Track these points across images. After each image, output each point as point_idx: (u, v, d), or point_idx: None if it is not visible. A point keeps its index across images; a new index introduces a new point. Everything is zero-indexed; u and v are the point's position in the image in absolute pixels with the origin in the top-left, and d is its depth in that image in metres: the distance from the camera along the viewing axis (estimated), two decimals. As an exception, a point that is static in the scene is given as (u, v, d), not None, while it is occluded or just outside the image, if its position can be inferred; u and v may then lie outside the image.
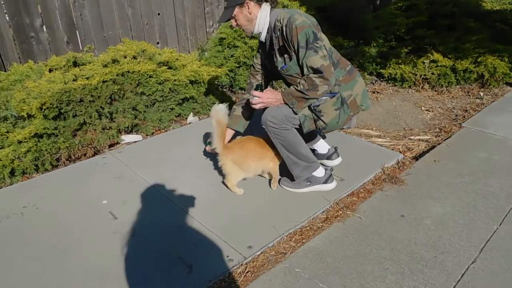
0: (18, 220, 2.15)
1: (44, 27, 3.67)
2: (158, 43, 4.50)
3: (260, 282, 1.73)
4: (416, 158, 2.78)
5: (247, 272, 1.80)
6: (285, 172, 2.37)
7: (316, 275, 1.77)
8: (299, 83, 2.04)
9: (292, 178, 2.37)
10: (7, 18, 3.43)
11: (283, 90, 2.16)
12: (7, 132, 2.66)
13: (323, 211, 2.21)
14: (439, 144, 2.91)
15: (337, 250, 1.92)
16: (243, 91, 4.06)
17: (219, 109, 2.11)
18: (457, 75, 3.90)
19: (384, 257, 1.87)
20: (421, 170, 2.58)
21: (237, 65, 4.01)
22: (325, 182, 2.34)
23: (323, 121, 2.18)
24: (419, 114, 3.51)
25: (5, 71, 3.30)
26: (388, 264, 1.83)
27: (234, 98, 3.91)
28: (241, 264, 1.83)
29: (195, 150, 2.85)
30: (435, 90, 3.90)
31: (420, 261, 1.84)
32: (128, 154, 2.84)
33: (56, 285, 1.71)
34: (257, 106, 2.15)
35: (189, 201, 2.26)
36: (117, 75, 2.90)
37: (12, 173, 2.59)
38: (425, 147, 2.93)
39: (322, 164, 2.48)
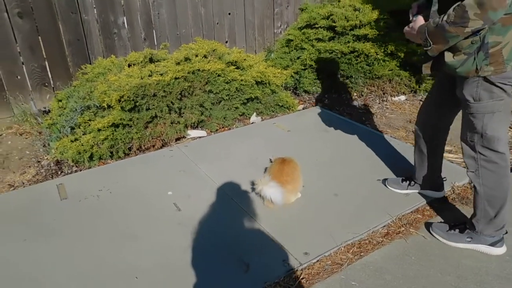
0: (95, 202, 2.35)
1: (125, 24, 3.95)
2: (226, 42, 4.63)
3: (314, 291, 1.72)
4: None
5: (302, 279, 1.80)
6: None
7: (374, 292, 1.72)
8: (448, 13, 1.52)
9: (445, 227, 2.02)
10: (96, 15, 3.75)
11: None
12: (90, 120, 2.91)
13: (384, 226, 2.12)
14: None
15: (397, 268, 1.84)
16: (307, 94, 4.05)
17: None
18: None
19: (449, 283, 1.76)
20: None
21: (303, 68, 4.00)
22: (492, 244, 1.91)
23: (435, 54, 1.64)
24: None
25: (91, 63, 3.61)
26: (453, 290, 1.72)
27: (297, 101, 3.90)
28: (297, 270, 1.83)
29: (257, 150, 2.90)
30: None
31: (490, 293, 1.70)
32: (193, 148, 2.96)
33: (121, 269, 1.85)
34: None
35: (250, 201, 2.31)
36: (188, 72, 3.03)
37: (91, 157, 2.83)
38: (504, 167, 2.68)
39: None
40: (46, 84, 3.65)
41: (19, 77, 3.48)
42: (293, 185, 2.22)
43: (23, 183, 2.64)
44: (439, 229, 2.03)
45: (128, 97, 2.81)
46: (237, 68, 3.38)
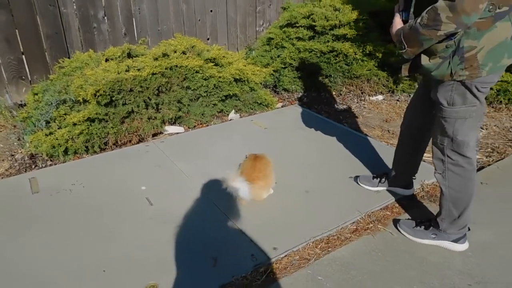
0: (67, 196, 2.33)
1: (105, 18, 3.91)
2: (208, 39, 4.63)
3: (281, 285, 1.75)
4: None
5: (270, 273, 1.82)
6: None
7: (338, 286, 1.75)
8: (421, 15, 1.52)
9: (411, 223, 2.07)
10: (75, 8, 3.71)
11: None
12: (65, 114, 2.88)
13: (353, 222, 2.16)
14: (489, 165, 2.73)
15: (363, 264, 1.88)
16: (287, 92, 4.08)
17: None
18: (520, 92, 3.62)
19: (412, 278, 1.80)
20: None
21: (283, 66, 4.03)
22: (455, 240, 1.95)
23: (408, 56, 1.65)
24: (470, 131, 3.30)
25: (69, 58, 3.56)
26: (416, 285, 1.76)
27: (277, 99, 3.93)
28: (265, 264, 1.85)
29: (233, 147, 2.91)
30: (493, 107, 3.65)
31: None
32: (169, 144, 2.96)
33: (88, 262, 1.84)
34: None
35: (222, 197, 2.32)
36: (166, 68, 3.03)
37: (66, 152, 2.80)
38: (473, 167, 2.76)
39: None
40: (23, 77, 3.60)
41: (-6, 69, 3.42)
42: (264, 181, 2.24)
43: (-6, 177, 2.60)
44: (406, 225, 2.08)
45: (104, 91, 2.79)
46: (216, 65, 3.38)
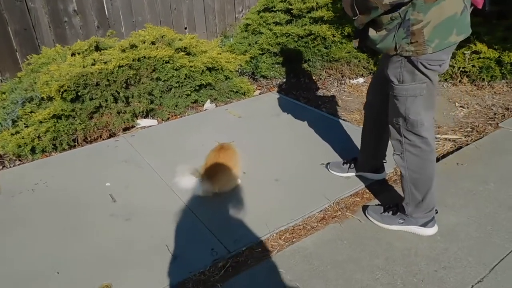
0: (29, 196, 2.28)
1: (76, 12, 3.81)
2: (186, 28, 4.51)
3: (239, 279, 1.69)
4: (438, 159, 2.55)
5: (229, 267, 1.77)
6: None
7: (299, 278, 1.69)
8: None
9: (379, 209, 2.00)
10: (43, 3, 3.60)
11: None
12: (31, 112, 2.81)
13: (321, 210, 2.10)
14: (467, 145, 2.65)
15: (327, 253, 1.82)
16: (265, 79, 3.98)
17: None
18: (503, 68, 3.50)
19: (377, 266, 1.74)
20: (439, 173, 2.32)
21: (261, 52, 3.92)
22: (424, 225, 1.88)
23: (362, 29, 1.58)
24: (451, 110, 3.21)
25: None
26: (380, 274, 1.70)
27: (255, 86, 3.83)
28: (224, 258, 1.80)
29: (204, 138, 2.83)
30: (475, 85, 3.54)
31: (416, 274, 1.69)
32: (139, 138, 2.89)
33: (48, 265, 1.79)
34: None
35: (187, 190, 2.25)
36: (133, 60, 2.94)
37: (33, 150, 2.74)
38: (451, 147, 2.68)
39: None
40: (-7, 76, 3.53)
41: (-39, 69, 3.35)
42: (229, 172, 2.17)
43: (-41, 180, 2.55)
44: (374, 212, 2.01)
45: (68, 87, 2.71)
46: (188, 54, 3.29)
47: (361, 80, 3.77)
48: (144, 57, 2.99)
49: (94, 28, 3.95)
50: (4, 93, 3.13)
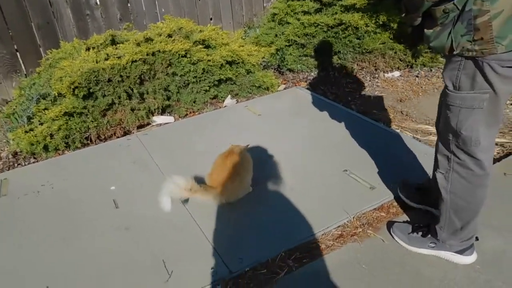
0: (34, 199, 2.20)
1: (98, 4, 3.74)
2: (211, 19, 4.33)
3: (237, 306, 1.50)
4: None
5: (228, 291, 1.58)
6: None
7: (307, 308, 1.47)
8: None
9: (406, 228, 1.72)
10: (65, -4, 3.56)
11: None
12: (45, 109, 2.76)
13: (339, 226, 1.84)
14: (519, 151, 2.26)
15: (342, 279, 1.58)
16: (292, 72, 3.71)
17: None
18: None
19: (400, 299, 1.48)
20: (484, 185, 2.01)
21: (287, 44, 3.65)
22: (460, 252, 1.59)
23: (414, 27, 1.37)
24: (502, 109, 2.78)
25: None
26: (403, 309, 1.44)
27: (280, 80, 3.58)
28: (224, 280, 1.61)
29: (218, 138, 2.64)
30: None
31: (449, 313, 1.41)
32: (152, 137, 2.76)
33: (39, 276, 1.70)
34: None
35: (193, 198, 2.08)
36: (147, 54, 2.79)
37: (46, 148, 2.69)
38: (498, 153, 2.30)
39: None
40: (18, 71, 3.54)
41: (-14, 65, 3.38)
42: (238, 181, 1.96)
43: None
44: (400, 231, 1.73)
45: (79, 83, 2.62)
46: (207, 47, 3.10)
47: (396, 73, 3.40)
48: (159, 51, 2.83)
49: (117, 21, 3.86)
50: (23, 88, 3.11)
